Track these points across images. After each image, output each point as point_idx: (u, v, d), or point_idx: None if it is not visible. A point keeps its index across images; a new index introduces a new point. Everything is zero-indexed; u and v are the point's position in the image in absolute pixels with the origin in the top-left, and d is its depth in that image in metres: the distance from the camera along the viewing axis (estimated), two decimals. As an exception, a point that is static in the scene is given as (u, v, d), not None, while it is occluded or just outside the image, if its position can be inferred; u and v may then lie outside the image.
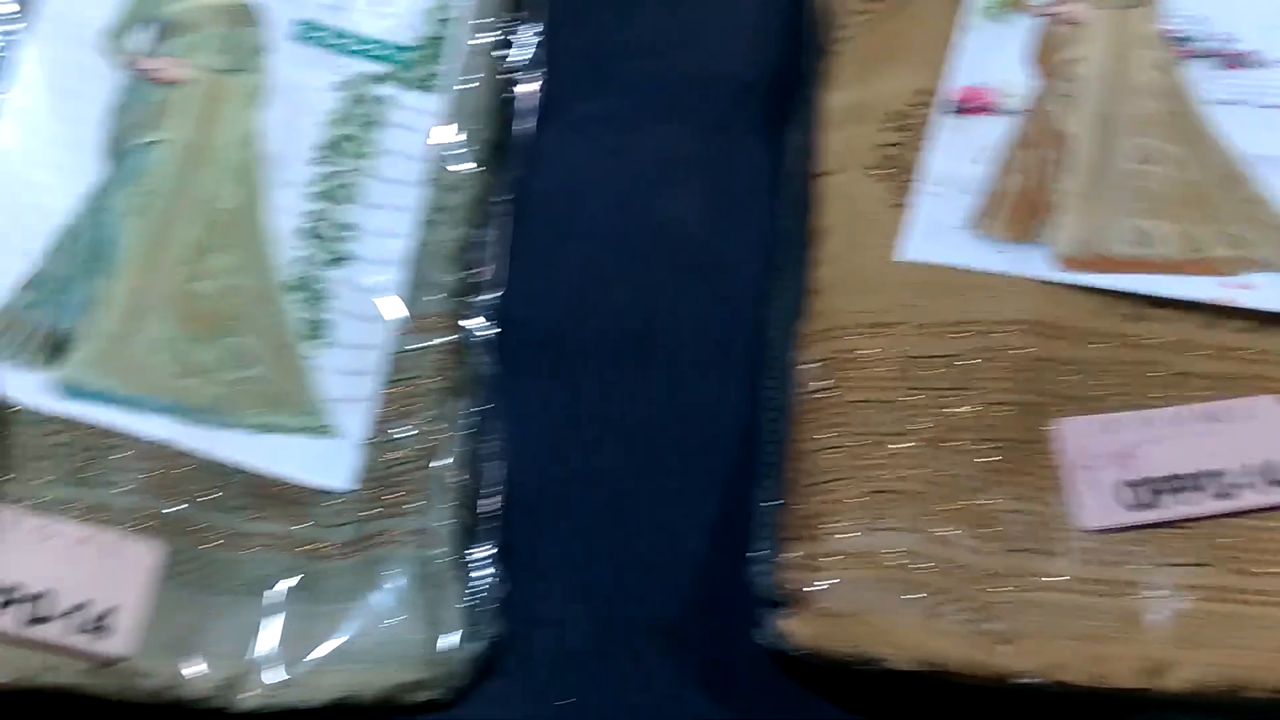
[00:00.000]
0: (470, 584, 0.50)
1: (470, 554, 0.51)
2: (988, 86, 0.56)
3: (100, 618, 0.47)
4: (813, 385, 0.51)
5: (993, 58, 0.56)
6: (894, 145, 0.55)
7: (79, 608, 0.47)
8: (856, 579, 0.47)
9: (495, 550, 0.52)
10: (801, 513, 0.50)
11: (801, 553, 0.49)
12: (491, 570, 0.51)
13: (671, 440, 0.55)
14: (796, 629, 0.47)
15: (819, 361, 0.52)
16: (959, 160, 0.54)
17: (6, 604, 0.46)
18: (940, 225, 0.53)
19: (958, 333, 0.51)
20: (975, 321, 0.51)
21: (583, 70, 0.62)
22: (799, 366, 0.52)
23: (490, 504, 0.53)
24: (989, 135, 0.55)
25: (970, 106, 0.55)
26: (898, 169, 0.55)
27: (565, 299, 0.58)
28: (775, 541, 0.50)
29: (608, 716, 0.50)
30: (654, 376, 0.56)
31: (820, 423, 0.51)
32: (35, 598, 0.46)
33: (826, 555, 0.48)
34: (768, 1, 0.64)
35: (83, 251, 0.54)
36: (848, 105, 0.56)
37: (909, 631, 0.46)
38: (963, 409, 0.50)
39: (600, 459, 0.54)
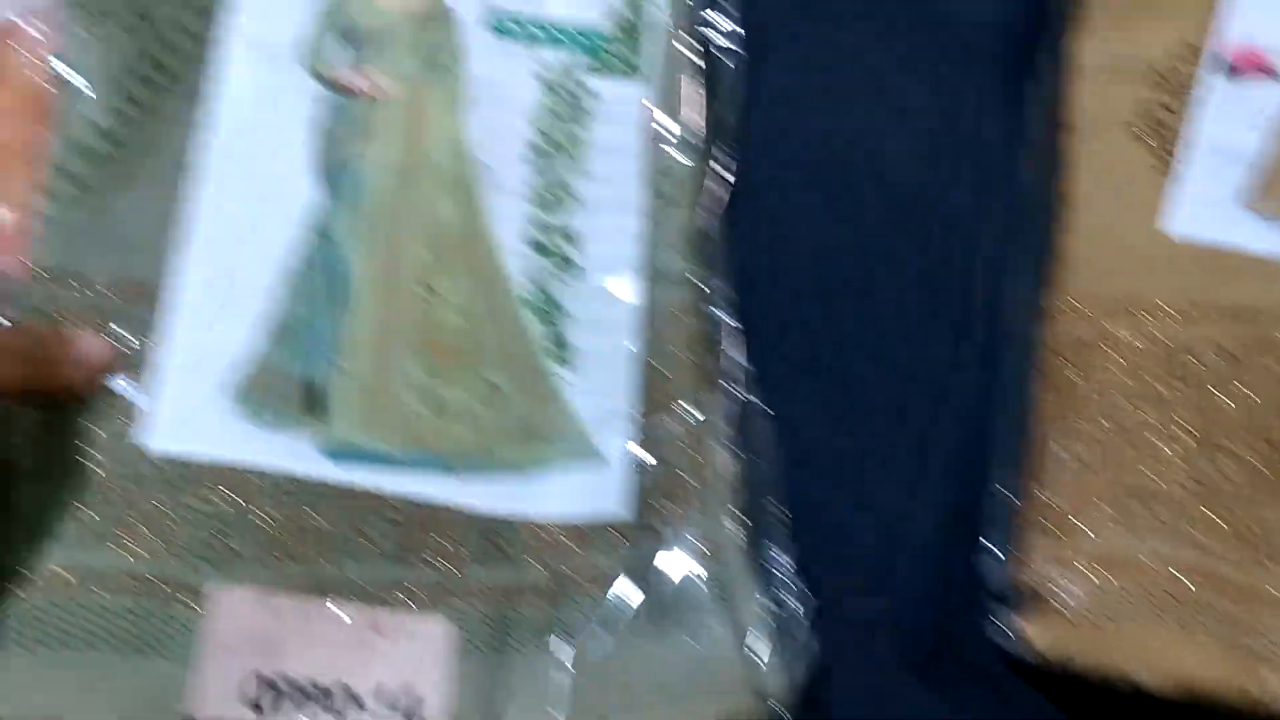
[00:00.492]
0: (772, 595, 0.49)
1: (765, 562, 0.50)
2: (1265, 47, 0.52)
3: (409, 708, 0.47)
4: (1060, 366, 0.50)
5: (1272, 14, 0.52)
6: (1158, 105, 0.52)
7: (383, 697, 0.46)
8: (1105, 584, 0.46)
9: (792, 555, 0.50)
10: (1045, 506, 0.48)
11: (1044, 550, 0.47)
12: (791, 578, 0.50)
13: (900, 416, 0.54)
14: (1036, 633, 0.46)
15: (1067, 341, 0.50)
16: (1233, 127, 0.51)
17: (314, 699, 0.46)
18: (1211, 199, 0.50)
19: (1229, 320, 0.48)
20: (1249, 308, 0.49)
21: (792, 28, 0.59)
22: (1044, 344, 0.50)
23: (758, 504, 0.52)
24: (1268, 102, 0.51)
25: (1245, 68, 0.51)
26: (1162, 132, 0.51)
27: (795, 272, 0.56)
28: (1013, 533, 0.49)
29: (829, 704, 0.50)
30: (885, 347, 0.55)
31: (1069, 409, 0.49)
32: (338, 693, 0.46)
33: (1073, 555, 0.47)
34: None
35: (317, 286, 0.53)
36: (1103, 56, 0.52)
37: (1163, 647, 0.44)
38: (1232, 406, 0.47)
39: (828, 440, 0.54)
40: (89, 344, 0.47)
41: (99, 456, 0.48)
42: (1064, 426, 0.49)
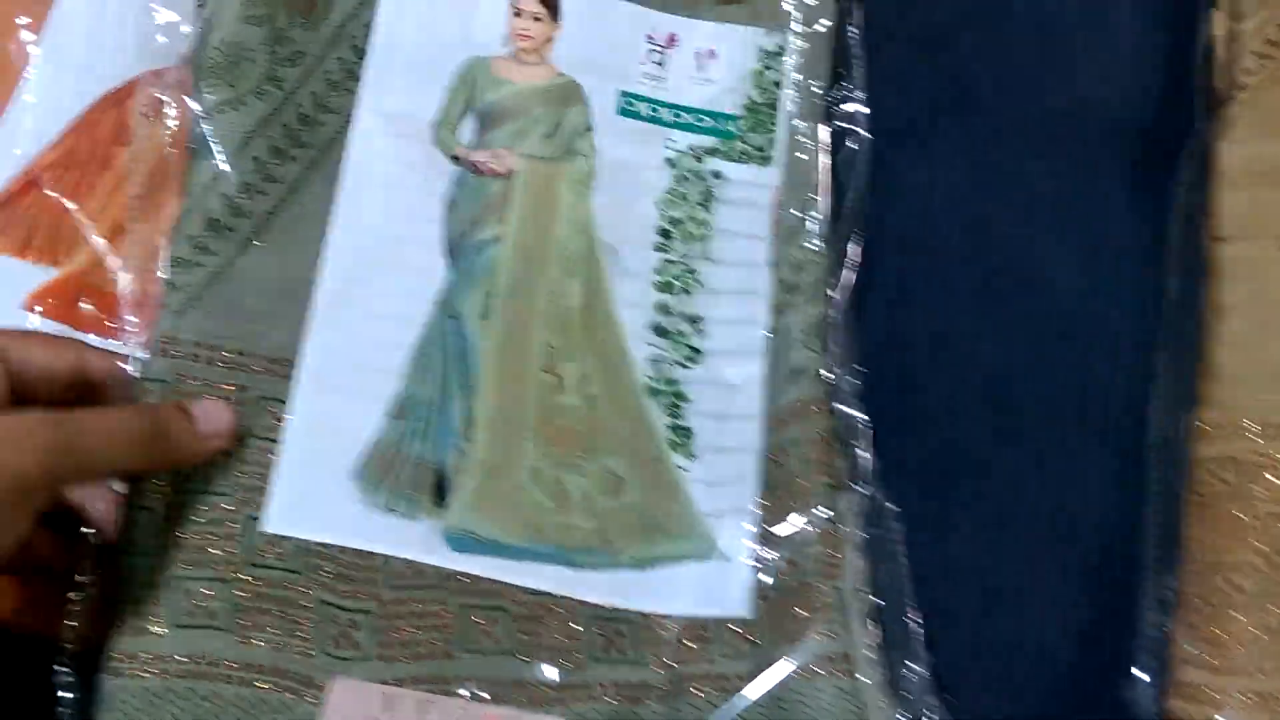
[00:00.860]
0: (905, 708, 0.47)
1: (898, 671, 0.48)
2: None
3: None
4: (1214, 487, 0.48)
5: None
6: (1310, 214, 0.50)
7: None
8: None
9: (926, 664, 0.48)
10: (1199, 634, 0.46)
11: (1196, 682, 0.45)
12: (928, 692, 0.48)
13: (1043, 529, 0.52)
14: None
15: (1221, 460, 0.48)
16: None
17: None
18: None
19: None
20: None
21: (927, 118, 0.58)
22: (1196, 462, 0.49)
23: (891, 611, 0.50)
24: None
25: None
26: (1315, 243, 0.50)
27: (928, 367, 0.54)
28: (1164, 662, 0.47)
29: None
30: (1020, 452, 0.53)
31: (1224, 532, 0.47)
32: None
33: (1227, 690, 0.45)
34: (1150, 27, 0.57)
35: (442, 366, 0.52)
36: (1253, 164, 0.51)
37: None
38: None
39: (966, 547, 0.52)
40: (210, 414, 0.47)
41: (219, 537, 0.47)
42: (1221, 551, 0.47)
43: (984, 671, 0.49)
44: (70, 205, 0.52)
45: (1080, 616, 0.50)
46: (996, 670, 0.49)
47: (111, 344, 0.50)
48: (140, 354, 0.49)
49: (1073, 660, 0.49)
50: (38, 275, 0.51)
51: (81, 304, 0.51)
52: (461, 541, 0.49)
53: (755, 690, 0.48)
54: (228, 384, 0.49)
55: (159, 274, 0.50)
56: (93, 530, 0.46)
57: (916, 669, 0.48)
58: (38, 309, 0.51)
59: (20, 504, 0.39)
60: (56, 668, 0.45)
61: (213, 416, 0.47)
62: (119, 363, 0.47)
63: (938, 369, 0.54)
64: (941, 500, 0.52)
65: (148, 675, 0.45)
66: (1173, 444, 0.50)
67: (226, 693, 0.46)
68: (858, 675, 0.47)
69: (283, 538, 0.48)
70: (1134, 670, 0.48)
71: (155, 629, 0.46)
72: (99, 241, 0.52)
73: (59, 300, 0.51)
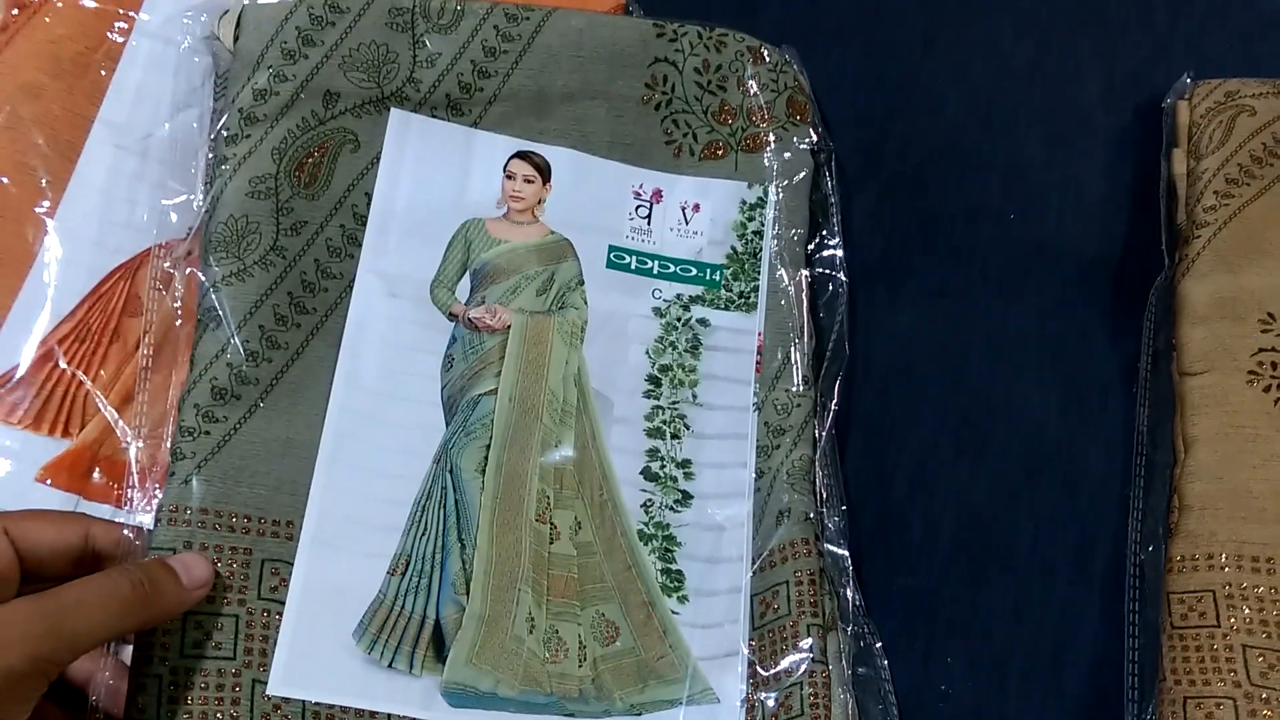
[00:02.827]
0: None
1: None
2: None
3: None
4: (1189, 619, 0.48)
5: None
6: (1274, 350, 0.51)
7: None
8: None
9: None
10: None
11: None
12: None
13: (1027, 654, 0.53)
14: None
15: (1194, 592, 0.49)
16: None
17: None
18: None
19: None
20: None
21: (896, 258, 0.60)
22: (1170, 594, 0.49)
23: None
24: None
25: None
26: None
27: (914, 501, 0.56)
28: None
29: None
30: (1001, 588, 0.54)
31: (1201, 665, 0.48)
32: None
33: None
34: (1114, 165, 0.60)
35: (440, 521, 0.53)
36: (1215, 299, 0.52)
37: None
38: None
39: (957, 675, 0.53)
40: (190, 566, 0.47)
41: (225, 702, 0.48)
42: (1196, 683, 0.47)
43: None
44: (83, 378, 0.54)
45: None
46: None
47: (120, 514, 0.51)
48: (148, 524, 0.50)
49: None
50: (51, 447, 0.53)
51: (92, 475, 0.52)
52: (459, 697, 0.50)
53: None
54: (233, 548, 0.50)
55: (166, 443, 0.51)
56: (98, 703, 0.47)
57: None
58: (49, 481, 0.52)
59: (13, 695, 0.40)
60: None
61: (193, 568, 0.47)
62: (125, 532, 0.49)
63: (918, 506, 0.55)
64: (927, 636, 0.53)
65: None
66: (1148, 577, 0.51)
67: None
68: None
69: (288, 700, 0.48)
70: None
71: None
72: (110, 412, 0.53)
73: (72, 472, 0.52)
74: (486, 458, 0.54)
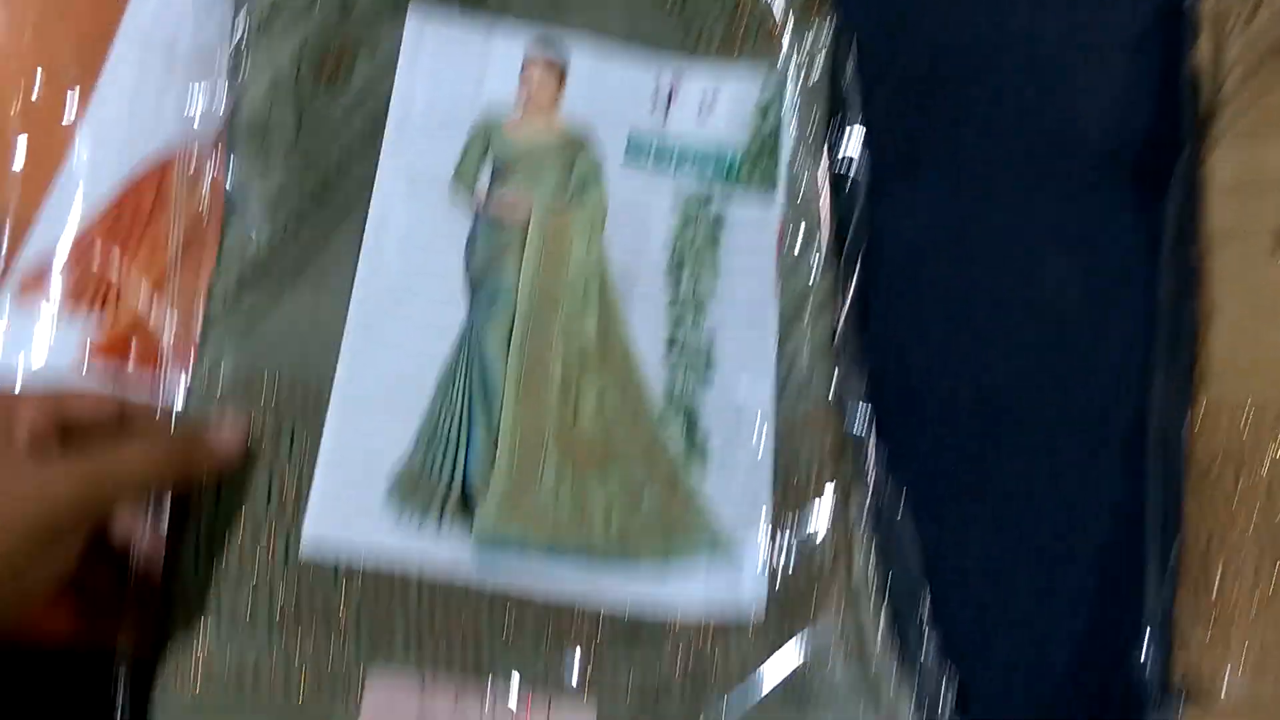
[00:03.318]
0: (918, 692, 0.48)
1: (911, 654, 0.49)
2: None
3: None
4: (1211, 474, 0.49)
5: None
6: (1296, 217, 0.51)
7: None
8: (1263, 682, 0.45)
9: (941, 659, 0.49)
10: (1199, 607, 0.47)
11: (1198, 650, 0.46)
12: (942, 682, 0.49)
13: (1047, 516, 0.53)
14: None
15: (1216, 449, 0.49)
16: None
17: None
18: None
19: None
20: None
21: (924, 145, 0.60)
22: (1193, 451, 0.50)
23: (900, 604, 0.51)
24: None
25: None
26: (1300, 248, 0.51)
27: (933, 376, 0.56)
28: (1167, 633, 0.48)
29: None
30: (1027, 451, 0.54)
31: (1221, 515, 0.49)
32: None
33: (1231, 652, 0.46)
34: (1135, 59, 0.60)
35: (465, 393, 0.54)
36: (1239, 173, 0.53)
37: None
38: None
39: (974, 539, 0.53)
40: (224, 426, 0.49)
41: (260, 556, 0.49)
42: (1218, 533, 0.48)
43: (993, 655, 0.50)
44: (117, 269, 0.55)
45: (1086, 599, 0.51)
46: (1007, 653, 0.50)
47: (156, 392, 0.52)
48: (181, 396, 0.51)
49: (1079, 637, 0.50)
50: (86, 334, 0.54)
51: (127, 360, 0.54)
52: (489, 549, 0.51)
53: (769, 679, 0.49)
54: (261, 415, 0.51)
55: (196, 315, 0.53)
56: (138, 564, 0.48)
57: (923, 655, 0.49)
58: (85, 365, 0.53)
59: (60, 544, 0.42)
60: (113, 683, 0.46)
61: (225, 428, 0.49)
62: (159, 408, 0.50)
63: (939, 379, 0.56)
64: (948, 498, 0.54)
65: (195, 687, 0.47)
66: (1170, 437, 0.51)
67: (270, 701, 0.47)
68: (871, 657, 0.49)
69: (320, 561, 0.49)
70: (1142, 639, 0.49)
71: (201, 642, 0.48)
72: (144, 297, 0.55)
73: (109, 353, 0.53)
74: (510, 340, 0.55)
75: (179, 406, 0.51)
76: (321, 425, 0.51)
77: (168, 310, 0.54)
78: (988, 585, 0.52)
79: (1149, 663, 0.48)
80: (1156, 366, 0.54)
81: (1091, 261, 0.57)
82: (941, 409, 0.55)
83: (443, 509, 0.51)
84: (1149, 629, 0.49)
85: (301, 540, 0.50)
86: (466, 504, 0.52)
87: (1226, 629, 0.46)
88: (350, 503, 0.51)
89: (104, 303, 0.54)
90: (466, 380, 0.54)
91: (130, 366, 0.53)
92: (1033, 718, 0.49)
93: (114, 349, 0.53)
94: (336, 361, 0.53)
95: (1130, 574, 0.51)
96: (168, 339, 0.53)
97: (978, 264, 0.58)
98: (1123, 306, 0.56)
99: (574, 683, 0.49)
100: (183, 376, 0.52)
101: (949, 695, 0.48)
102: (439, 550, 0.51)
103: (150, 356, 0.53)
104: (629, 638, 0.50)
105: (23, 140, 0.56)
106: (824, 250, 0.57)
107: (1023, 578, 0.52)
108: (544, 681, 0.49)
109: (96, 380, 0.52)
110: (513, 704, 0.48)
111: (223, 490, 0.49)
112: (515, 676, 0.49)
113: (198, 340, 0.52)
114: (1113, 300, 0.56)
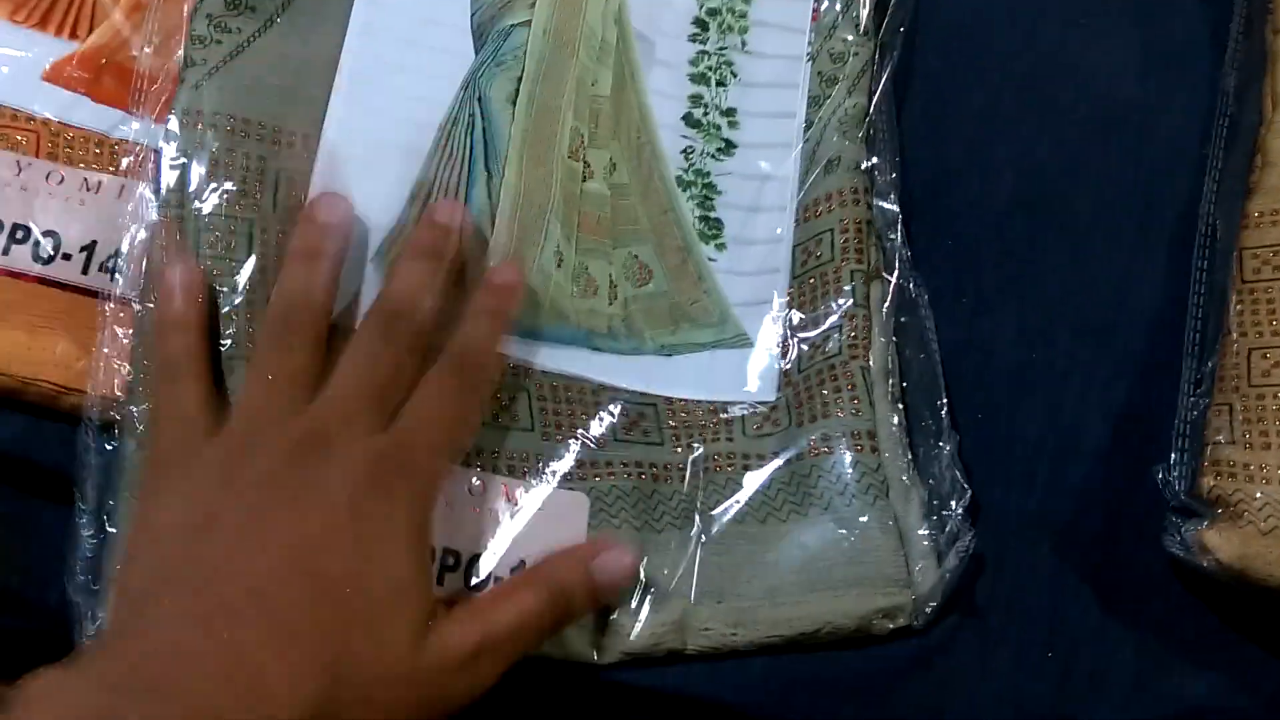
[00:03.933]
0: (931, 490, 0.45)
1: (924, 453, 0.46)
2: None
3: None
4: (1260, 272, 0.45)
5: None
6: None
7: (519, 569, 0.44)
8: None
9: (953, 448, 0.46)
10: (1234, 414, 0.44)
11: (1230, 458, 0.43)
12: (953, 473, 0.46)
13: (1082, 316, 0.50)
14: (1219, 543, 0.43)
15: (1269, 246, 0.46)
16: None
17: (449, 569, 0.44)
18: None
19: None
20: None
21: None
22: (1242, 250, 0.46)
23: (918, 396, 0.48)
24: None
25: None
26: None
27: (970, 160, 0.52)
28: (1197, 441, 0.45)
29: (1002, 614, 0.46)
30: (1067, 244, 0.51)
31: (1264, 317, 0.45)
32: (472, 561, 0.44)
33: (1263, 465, 0.43)
34: None
35: (466, 148, 0.50)
36: None
37: None
38: None
39: (1005, 335, 0.50)
40: (609, 566, 0.43)
41: (237, 306, 0.45)
42: (1259, 333, 0.45)
43: (1012, 457, 0.48)
44: (91, -20, 0.50)
45: (1114, 402, 0.48)
46: (1026, 456, 0.48)
47: (131, 119, 0.48)
48: (158, 128, 0.47)
49: (1103, 444, 0.48)
50: (57, 48, 0.50)
51: (101, 78, 0.49)
52: None
53: (772, 468, 0.46)
54: (245, 153, 0.47)
55: (179, 54, 0.48)
56: None
57: (940, 450, 0.46)
58: (55, 81, 0.49)
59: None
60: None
61: (611, 568, 0.43)
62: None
63: (976, 164, 0.52)
64: (975, 294, 0.50)
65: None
66: (1220, 238, 0.48)
67: None
68: (882, 451, 0.46)
69: None
70: (1169, 452, 0.46)
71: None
72: (118, 17, 0.50)
73: (80, 71, 0.49)
74: (518, 90, 0.50)
75: (160, 147, 0.47)
76: (308, 175, 0.48)
77: (146, 30, 0.49)
78: (1009, 391, 0.49)
79: (1176, 477, 0.45)
80: (1210, 160, 0.49)
81: (1150, 40, 0.52)
82: (975, 197, 0.51)
83: None
84: (1178, 441, 0.46)
85: None
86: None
87: (1263, 442, 0.43)
88: None
89: (75, 18, 0.50)
90: (468, 134, 0.50)
91: (102, 86, 0.49)
92: (1047, 531, 0.47)
93: (84, 67, 0.49)
94: (326, 104, 0.49)
95: (1163, 385, 0.48)
96: (145, 66, 0.48)
97: (1027, 40, 0.53)
98: (1180, 91, 0.52)
99: (568, 466, 0.46)
100: (159, 104, 0.48)
101: (961, 502, 0.45)
102: None
103: (124, 79, 0.49)
104: (630, 418, 0.47)
105: None
106: (862, 23, 0.52)
107: (1047, 385, 0.48)
108: (536, 464, 0.45)
109: (62, 100, 0.48)
110: (501, 487, 0.45)
111: (201, 232, 0.46)
112: (505, 458, 0.45)
113: (178, 68, 0.48)
114: (1170, 84, 0.52)
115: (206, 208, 0.46)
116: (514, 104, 0.50)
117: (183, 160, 0.46)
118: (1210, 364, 0.46)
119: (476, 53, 0.51)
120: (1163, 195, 0.51)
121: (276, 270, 0.46)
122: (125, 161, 0.48)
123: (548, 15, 0.52)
